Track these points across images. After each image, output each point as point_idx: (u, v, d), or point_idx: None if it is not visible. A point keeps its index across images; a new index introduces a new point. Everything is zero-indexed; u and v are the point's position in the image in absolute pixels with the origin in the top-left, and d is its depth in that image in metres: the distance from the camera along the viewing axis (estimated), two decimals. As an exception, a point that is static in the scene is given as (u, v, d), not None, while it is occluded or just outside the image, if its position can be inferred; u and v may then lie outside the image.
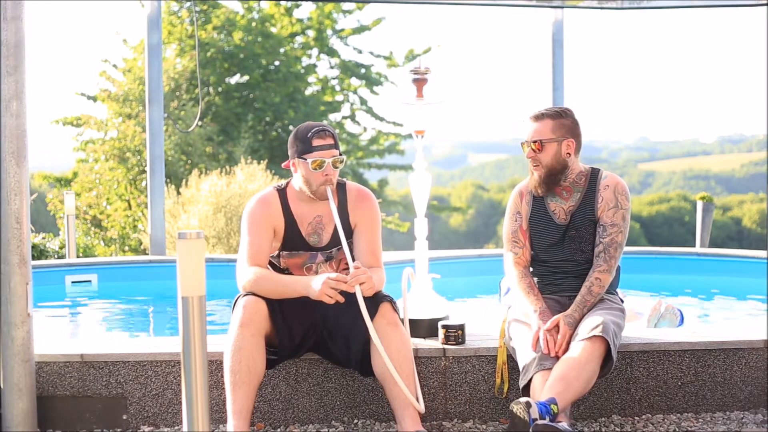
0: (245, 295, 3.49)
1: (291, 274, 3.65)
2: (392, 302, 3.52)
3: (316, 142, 3.51)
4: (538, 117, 3.73)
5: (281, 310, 3.48)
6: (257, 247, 3.56)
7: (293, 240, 3.63)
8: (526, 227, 3.81)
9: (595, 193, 3.74)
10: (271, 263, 3.66)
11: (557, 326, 3.51)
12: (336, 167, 3.55)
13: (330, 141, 3.53)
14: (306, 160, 3.52)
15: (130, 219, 14.19)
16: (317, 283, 3.37)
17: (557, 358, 3.43)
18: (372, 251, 3.62)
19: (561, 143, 3.69)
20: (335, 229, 3.63)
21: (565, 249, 3.75)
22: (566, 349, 3.44)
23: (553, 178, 3.72)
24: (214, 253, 9.41)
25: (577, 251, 3.74)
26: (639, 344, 3.78)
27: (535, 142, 3.70)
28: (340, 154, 3.57)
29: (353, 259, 3.52)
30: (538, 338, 3.49)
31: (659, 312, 4.93)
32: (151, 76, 8.39)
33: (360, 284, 3.34)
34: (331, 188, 3.56)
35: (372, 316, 3.41)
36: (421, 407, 3.39)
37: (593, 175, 3.77)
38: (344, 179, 3.74)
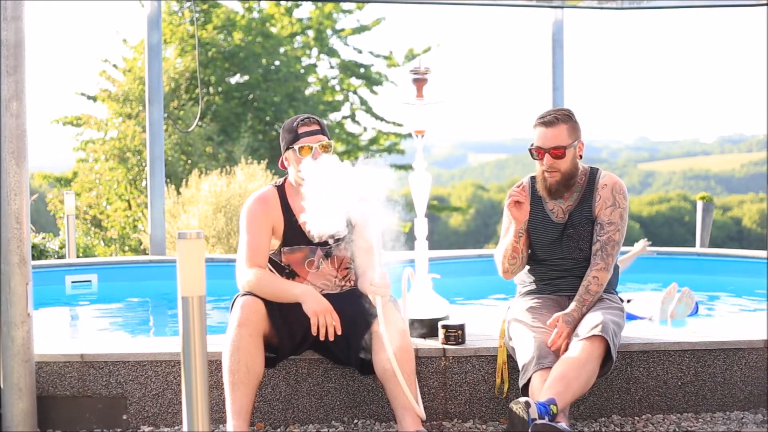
0: (243, 295, 3.49)
1: (292, 270, 3.65)
2: (395, 303, 3.53)
3: (302, 130, 3.56)
4: (552, 122, 3.65)
5: (280, 309, 3.48)
6: (256, 247, 3.57)
7: (293, 235, 3.63)
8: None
9: (593, 192, 3.74)
10: (272, 260, 3.67)
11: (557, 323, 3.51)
12: (325, 152, 3.55)
13: (316, 127, 3.57)
14: (294, 148, 3.54)
15: (130, 219, 14.20)
16: (316, 303, 3.40)
17: (557, 355, 3.43)
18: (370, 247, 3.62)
19: (576, 147, 3.69)
20: None
21: (563, 248, 3.76)
22: (566, 349, 3.44)
23: (569, 182, 3.71)
24: (214, 253, 9.41)
25: (575, 250, 3.74)
26: (639, 344, 3.78)
27: (555, 148, 3.64)
28: (329, 139, 3.58)
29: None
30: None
31: (673, 296, 4.93)
32: (151, 76, 8.39)
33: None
34: None
35: (374, 316, 3.42)
36: (422, 412, 3.38)
37: (592, 174, 3.78)
38: None
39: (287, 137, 3.58)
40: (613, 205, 3.70)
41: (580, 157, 3.73)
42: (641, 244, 5.95)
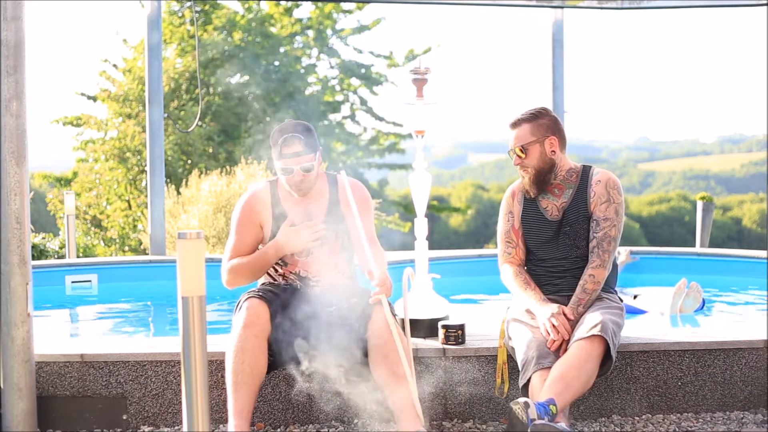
0: (248, 297, 3.51)
1: (283, 259, 3.68)
2: (388, 302, 3.53)
3: (285, 150, 3.55)
4: (516, 123, 3.77)
5: (284, 318, 3.48)
6: (240, 246, 3.66)
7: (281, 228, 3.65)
8: (518, 226, 3.83)
9: (587, 189, 3.75)
10: None
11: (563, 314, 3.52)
12: (307, 172, 3.57)
13: (298, 148, 3.54)
14: (277, 165, 3.60)
15: (130, 219, 14.20)
16: (298, 239, 3.50)
17: (557, 355, 3.43)
18: (368, 232, 3.63)
19: (543, 143, 3.72)
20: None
21: (559, 246, 3.76)
22: (565, 349, 3.45)
23: (543, 178, 3.74)
24: (214, 253, 9.40)
25: (572, 247, 3.74)
26: (639, 344, 3.78)
27: (517, 147, 3.73)
28: (316, 149, 3.57)
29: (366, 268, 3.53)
30: (548, 328, 3.50)
31: (683, 291, 4.97)
32: (151, 76, 8.39)
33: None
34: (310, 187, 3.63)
35: (368, 318, 3.43)
36: (421, 415, 3.38)
37: (585, 171, 3.80)
38: (336, 173, 3.76)
39: (273, 151, 3.60)
40: (607, 201, 3.72)
41: (554, 152, 3.74)
42: (624, 255, 6.05)
